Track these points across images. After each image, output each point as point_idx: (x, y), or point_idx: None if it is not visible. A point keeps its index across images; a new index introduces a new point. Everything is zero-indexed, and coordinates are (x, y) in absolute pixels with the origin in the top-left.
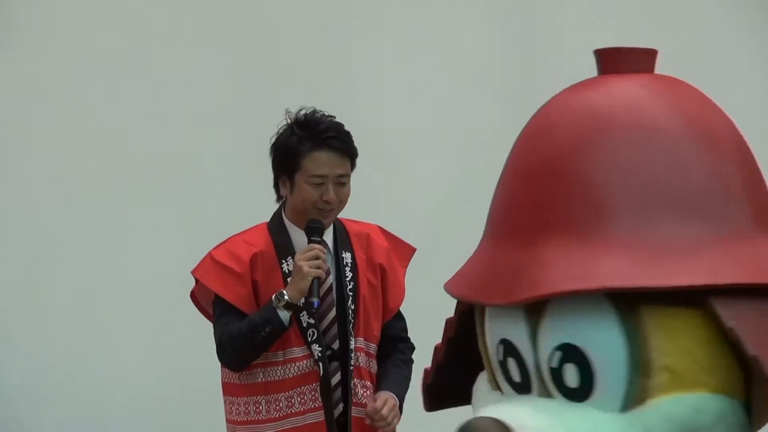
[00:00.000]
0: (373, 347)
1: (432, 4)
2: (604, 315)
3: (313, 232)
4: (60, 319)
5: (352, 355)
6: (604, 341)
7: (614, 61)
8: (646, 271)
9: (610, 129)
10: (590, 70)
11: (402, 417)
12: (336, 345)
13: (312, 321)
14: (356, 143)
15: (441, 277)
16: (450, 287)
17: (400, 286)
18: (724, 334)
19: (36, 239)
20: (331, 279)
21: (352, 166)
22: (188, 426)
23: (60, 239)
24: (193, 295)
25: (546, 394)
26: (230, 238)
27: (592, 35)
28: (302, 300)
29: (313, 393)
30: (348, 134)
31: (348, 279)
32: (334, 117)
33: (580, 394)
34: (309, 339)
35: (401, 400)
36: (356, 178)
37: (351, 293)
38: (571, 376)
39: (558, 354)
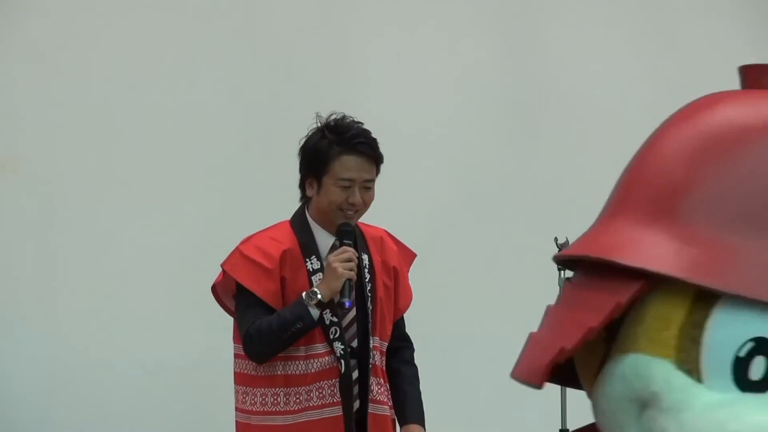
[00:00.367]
0: (385, 345)
1: (432, 13)
2: None
3: (345, 235)
4: (72, 318)
5: (371, 353)
6: None
7: (760, 76)
8: None
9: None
10: (584, 75)
11: None
12: (355, 343)
13: (335, 319)
14: None
15: (437, 279)
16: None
17: (408, 288)
18: None
19: (48, 239)
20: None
21: (377, 171)
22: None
23: (70, 239)
24: (214, 288)
25: None
26: (256, 234)
27: (588, 43)
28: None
29: (331, 388)
30: (375, 141)
31: (367, 280)
32: (362, 123)
33: None
34: (331, 336)
35: (423, 422)
36: None
37: (370, 294)
38: None
39: None
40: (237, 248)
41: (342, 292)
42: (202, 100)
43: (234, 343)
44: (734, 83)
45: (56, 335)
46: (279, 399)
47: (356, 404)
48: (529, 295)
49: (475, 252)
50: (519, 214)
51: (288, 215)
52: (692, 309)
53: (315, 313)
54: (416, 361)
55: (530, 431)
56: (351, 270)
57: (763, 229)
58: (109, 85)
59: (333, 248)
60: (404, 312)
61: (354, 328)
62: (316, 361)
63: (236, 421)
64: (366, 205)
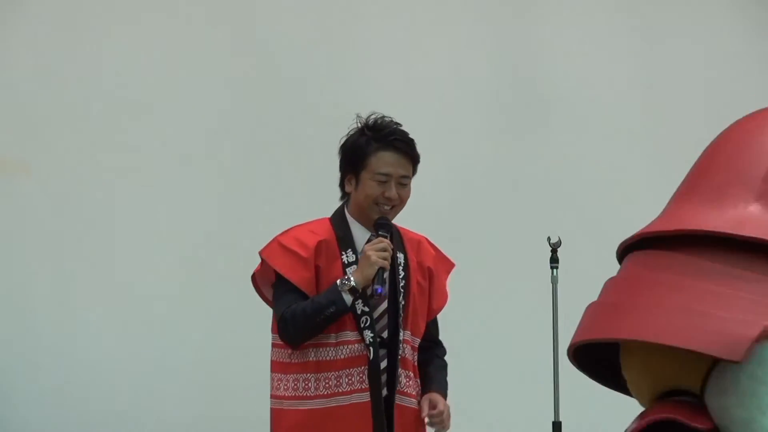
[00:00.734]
0: (417, 341)
1: (428, 18)
2: None
3: (382, 228)
4: (85, 316)
5: (401, 345)
6: None
7: None
8: None
9: None
10: (577, 77)
11: None
12: (385, 334)
13: (366, 309)
14: None
15: None
16: None
17: (443, 292)
18: None
19: (60, 240)
20: (386, 275)
21: (414, 171)
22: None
23: (82, 240)
24: (254, 278)
25: None
26: (296, 226)
27: (581, 45)
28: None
29: (360, 375)
30: (412, 141)
31: (401, 277)
32: (401, 124)
33: None
34: (362, 325)
35: (445, 394)
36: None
37: (402, 290)
38: None
39: None
40: (276, 238)
41: (375, 280)
42: (211, 104)
43: (272, 333)
44: (725, 83)
45: (69, 333)
46: (310, 384)
47: (384, 392)
48: (522, 292)
49: (471, 251)
50: (512, 214)
51: (297, 217)
52: None
53: (348, 298)
54: None
55: (524, 423)
56: (384, 259)
57: None
58: (120, 88)
59: (369, 241)
60: (437, 313)
61: (385, 320)
62: (346, 347)
63: (270, 408)
64: (402, 201)
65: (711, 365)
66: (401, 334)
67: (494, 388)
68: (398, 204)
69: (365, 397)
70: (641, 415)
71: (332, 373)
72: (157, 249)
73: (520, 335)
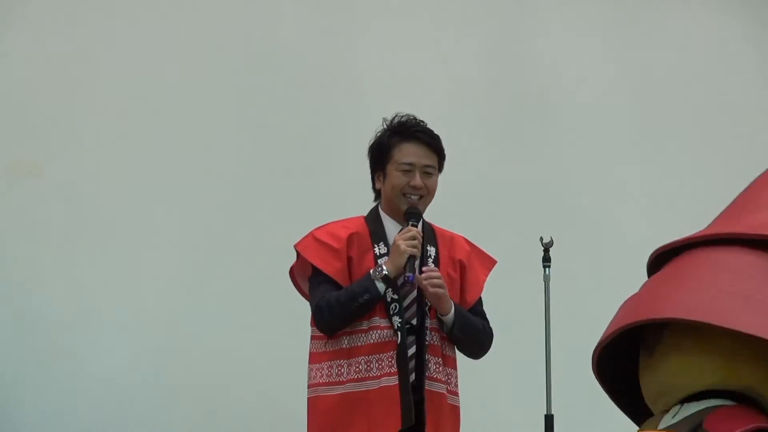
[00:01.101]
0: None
1: (427, 26)
2: None
3: (412, 217)
4: (94, 316)
5: (427, 332)
6: None
7: None
8: None
9: None
10: (569, 81)
11: None
12: (414, 321)
13: (395, 296)
14: (359, 153)
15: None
16: None
17: (478, 284)
18: None
19: (72, 241)
20: (416, 264)
21: (440, 165)
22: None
23: (94, 241)
24: (291, 272)
25: None
26: (331, 222)
27: (571, 50)
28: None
29: (390, 360)
30: (436, 135)
31: None
32: (425, 123)
33: None
34: (391, 312)
35: (460, 317)
36: (356, 182)
37: None
38: None
39: None
40: (311, 232)
41: (406, 268)
42: (219, 106)
43: (311, 326)
44: (715, 87)
45: (79, 331)
46: (342, 369)
47: (413, 378)
48: (515, 290)
49: None
50: (506, 215)
51: (300, 218)
52: None
53: (381, 286)
54: None
55: (516, 416)
56: (414, 248)
57: None
58: (130, 89)
59: (400, 231)
60: (471, 304)
61: (414, 308)
62: (375, 332)
63: (307, 398)
64: (429, 191)
65: None
66: (427, 321)
67: (489, 382)
68: (426, 194)
69: (394, 380)
70: (726, 418)
71: (362, 357)
72: (167, 249)
73: (513, 331)
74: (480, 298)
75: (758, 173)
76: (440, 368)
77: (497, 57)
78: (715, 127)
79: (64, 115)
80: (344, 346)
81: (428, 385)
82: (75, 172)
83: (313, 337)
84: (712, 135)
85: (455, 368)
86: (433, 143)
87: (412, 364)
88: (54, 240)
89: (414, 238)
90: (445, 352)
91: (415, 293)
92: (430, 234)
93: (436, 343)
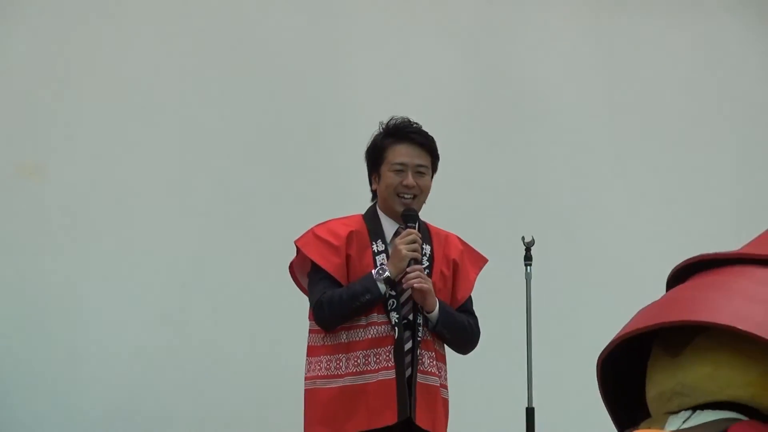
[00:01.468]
0: None
1: (410, 32)
2: None
3: (409, 219)
4: (96, 318)
5: (420, 328)
6: None
7: None
8: None
9: None
10: (550, 83)
11: None
12: (411, 317)
13: (393, 293)
14: (345, 159)
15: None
16: None
17: (468, 283)
18: None
19: (74, 243)
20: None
21: (434, 165)
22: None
23: (96, 243)
24: (291, 267)
25: None
26: (331, 219)
27: (552, 52)
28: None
29: (387, 354)
30: (430, 136)
31: (425, 267)
32: (420, 125)
33: None
34: (389, 308)
35: (445, 315)
36: (350, 181)
37: None
38: None
39: None
40: (311, 229)
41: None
42: (217, 107)
43: (309, 320)
44: (690, 89)
45: (81, 331)
46: (341, 363)
47: (408, 372)
48: (498, 288)
49: None
50: (490, 216)
51: (291, 218)
52: None
53: (383, 287)
54: None
55: (497, 410)
56: (414, 251)
57: None
58: (132, 91)
59: (397, 233)
60: (461, 302)
61: (410, 305)
62: (373, 328)
63: (304, 390)
64: (422, 190)
65: None
66: (421, 318)
67: (471, 376)
68: (419, 193)
69: (391, 374)
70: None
71: (361, 352)
72: (168, 249)
73: (496, 326)
74: (470, 297)
75: (732, 176)
76: (433, 362)
77: (480, 61)
78: (692, 130)
79: (67, 117)
80: (343, 340)
81: (424, 379)
82: (76, 173)
83: (311, 331)
84: (688, 137)
85: (445, 363)
86: (425, 144)
87: (408, 358)
88: (56, 240)
89: (414, 241)
90: (436, 347)
91: (410, 290)
92: (425, 233)
93: (428, 338)
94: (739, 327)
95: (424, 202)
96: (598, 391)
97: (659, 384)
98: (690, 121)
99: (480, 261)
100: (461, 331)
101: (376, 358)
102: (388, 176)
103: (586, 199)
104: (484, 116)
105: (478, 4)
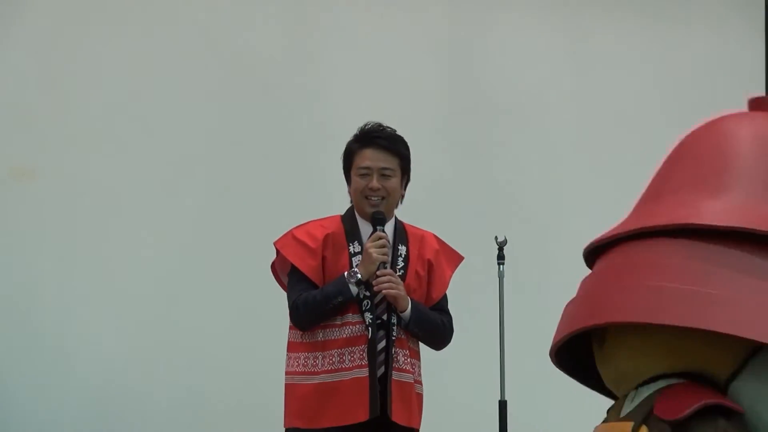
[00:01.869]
0: None
1: (387, 38)
2: None
3: (378, 222)
4: (87, 318)
5: (394, 328)
6: None
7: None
8: None
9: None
10: (522, 86)
11: None
12: (385, 317)
13: (367, 294)
14: (324, 161)
15: None
16: None
17: (443, 282)
18: None
19: (65, 245)
20: (387, 266)
21: (403, 167)
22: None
23: (87, 245)
24: (273, 266)
25: None
26: (310, 221)
27: (524, 56)
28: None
29: (361, 353)
30: (398, 139)
31: (399, 267)
32: (393, 129)
33: None
34: (363, 308)
35: (417, 314)
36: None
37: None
38: None
39: None
40: (290, 231)
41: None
42: (207, 110)
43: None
44: (663, 92)
45: (72, 334)
46: (318, 361)
47: (382, 370)
48: (472, 285)
49: None
50: (464, 216)
51: (280, 217)
52: None
53: (354, 289)
54: None
55: (470, 402)
56: (384, 254)
57: None
58: (122, 94)
59: (370, 236)
60: (436, 301)
61: (384, 305)
62: (348, 327)
63: (285, 384)
64: (388, 192)
65: (750, 352)
66: (394, 317)
67: (446, 370)
68: (385, 195)
69: (365, 372)
70: (672, 398)
71: (336, 350)
72: (158, 251)
73: (470, 323)
74: (445, 295)
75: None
76: (408, 360)
77: (454, 63)
78: (664, 129)
79: (57, 121)
80: (319, 339)
81: (398, 377)
82: (67, 176)
83: (291, 328)
84: (661, 137)
85: (419, 359)
86: (390, 147)
87: (382, 357)
88: (48, 243)
89: (384, 246)
90: (410, 345)
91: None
92: (401, 233)
93: (402, 336)
94: (622, 319)
95: (398, 203)
96: (568, 380)
97: (604, 375)
98: (662, 121)
99: (456, 259)
100: (434, 329)
101: (351, 357)
102: (356, 180)
103: (556, 200)
104: (457, 117)
105: (452, 8)
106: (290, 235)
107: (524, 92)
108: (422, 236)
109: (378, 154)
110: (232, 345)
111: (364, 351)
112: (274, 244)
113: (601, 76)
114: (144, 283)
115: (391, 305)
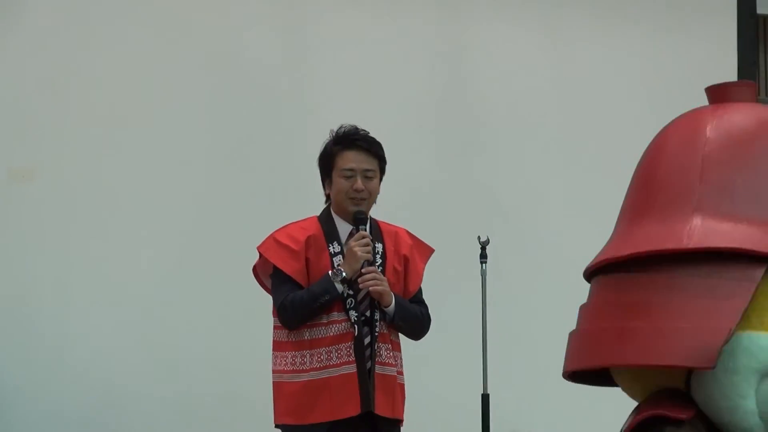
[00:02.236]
0: None
1: (374, 42)
2: None
3: (360, 222)
4: (85, 319)
5: (377, 323)
6: None
7: (722, 94)
8: None
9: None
10: (506, 94)
11: None
12: (368, 313)
13: (351, 292)
14: (311, 161)
15: None
16: None
17: (418, 275)
18: None
19: (64, 246)
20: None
21: (381, 168)
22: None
23: (85, 246)
24: (255, 269)
25: None
26: (288, 224)
27: (507, 59)
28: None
29: (348, 350)
30: (376, 142)
31: (378, 264)
32: (367, 132)
33: None
34: (348, 306)
35: (400, 308)
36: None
37: None
38: None
39: None
40: (271, 234)
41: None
42: (205, 112)
43: (273, 317)
44: (644, 92)
45: (71, 333)
46: (305, 359)
47: (368, 365)
48: (456, 283)
49: None
50: (448, 216)
51: (278, 219)
52: None
53: (340, 287)
54: None
55: (453, 397)
56: (368, 252)
57: None
58: (120, 96)
59: (351, 235)
60: (413, 293)
61: (367, 302)
62: (334, 326)
63: (272, 382)
64: (370, 192)
65: (687, 371)
66: (377, 313)
67: (429, 365)
68: (367, 196)
69: (352, 368)
70: (635, 411)
71: (323, 348)
72: (156, 251)
73: (454, 320)
74: (420, 287)
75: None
76: (390, 353)
77: (442, 68)
78: (645, 132)
79: (56, 123)
80: (306, 337)
81: (381, 370)
82: (65, 177)
83: (275, 327)
84: (640, 140)
85: (400, 351)
86: (371, 149)
87: (367, 352)
88: (47, 243)
89: (367, 244)
90: (392, 338)
91: (367, 289)
92: (376, 231)
93: (384, 331)
94: (582, 367)
95: (374, 202)
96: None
97: (625, 388)
98: (644, 125)
99: (427, 252)
100: (415, 320)
101: (338, 354)
102: (339, 182)
103: (537, 201)
104: (440, 119)
105: (439, 14)
106: (272, 239)
107: (509, 95)
108: (396, 232)
109: (361, 156)
110: (232, 345)
111: (350, 348)
112: (258, 248)
113: (584, 81)
114: (142, 283)
115: (374, 302)
